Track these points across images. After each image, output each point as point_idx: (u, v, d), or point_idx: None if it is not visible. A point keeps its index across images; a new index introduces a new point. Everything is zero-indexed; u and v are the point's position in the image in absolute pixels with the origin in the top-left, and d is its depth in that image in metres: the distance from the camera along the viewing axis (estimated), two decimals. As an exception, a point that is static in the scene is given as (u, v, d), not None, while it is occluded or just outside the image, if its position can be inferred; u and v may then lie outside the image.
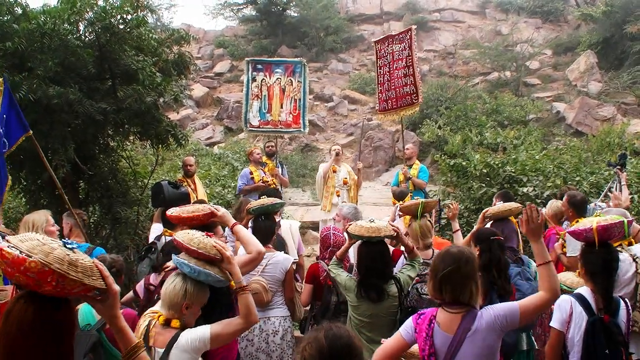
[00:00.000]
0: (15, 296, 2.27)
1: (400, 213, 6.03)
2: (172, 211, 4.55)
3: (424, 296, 5.21)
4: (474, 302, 3.36)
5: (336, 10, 34.71)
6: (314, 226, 12.04)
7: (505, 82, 24.82)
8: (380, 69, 10.19)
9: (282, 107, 10.66)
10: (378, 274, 4.67)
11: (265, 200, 6.05)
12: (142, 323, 3.44)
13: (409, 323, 3.53)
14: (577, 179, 10.09)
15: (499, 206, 5.90)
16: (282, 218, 7.65)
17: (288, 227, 6.90)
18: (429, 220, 5.84)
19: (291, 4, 32.96)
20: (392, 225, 4.87)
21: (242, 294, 3.49)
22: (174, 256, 3.56)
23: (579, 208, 6.43)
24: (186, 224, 4.44)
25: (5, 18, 7.04)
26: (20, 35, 6.88)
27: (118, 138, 9.55)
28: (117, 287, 2.39)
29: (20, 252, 2.07)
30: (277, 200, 6.08)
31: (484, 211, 5.90)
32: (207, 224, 4.40)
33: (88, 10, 7.78)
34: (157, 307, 3.58)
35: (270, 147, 10.97)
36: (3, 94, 5.98)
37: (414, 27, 10.19)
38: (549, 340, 4.21)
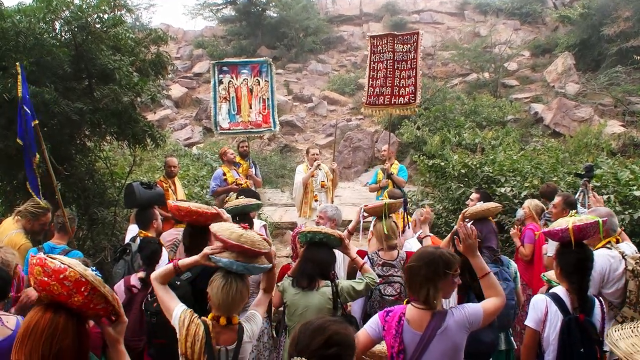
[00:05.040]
0: (39, 307, 2.40)
1: (365, 214, 6.02)
2: (180, 203, 4.74)
3: (387, 297, 5.26)
4: (430, 303, 3.42)
5: (316, 11, 34.74)
6: (293, 227, 12.04)
7: (483, 83, 25.03)
8: (374, 63, 10.16)
9: (250, 107, 10.56)
10: (313, 266, 4.78)
11: (241, 201, 6.08)
12: (196, 328, 3.39)
13: (375, 320, 3.60)
14: (555, 179, 10.15)
15: (477, 206, 5.92)
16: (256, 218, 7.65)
17: (259, 226, 6.95)
18: (394, 222, 5.86)
19: (271, 5, 32.93)
20: (340, 234, 4.94)
21: (272, 271, 3.84)
22: (217, 257, 3.54)
23: (575, 207, 6.54)
24: (193, 218, 4.64)
25: None
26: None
27: (95, 138, 9.42)
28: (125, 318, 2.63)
29: (62, 263, 2.34)
30: (254, 201, 6.12)
31: (463, 212, 5.92)
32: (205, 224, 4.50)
33: (64, 9, 7.67)
34: (182, 307, 3.56)
35: (243, 147, 10.98)
36: (22, 79, 5.99)
37: (421, 31, 10.23)
38: (524, 340, 4.25)
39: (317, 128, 24.65)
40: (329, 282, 4.78)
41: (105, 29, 8.31)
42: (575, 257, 4.08)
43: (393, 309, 3.57)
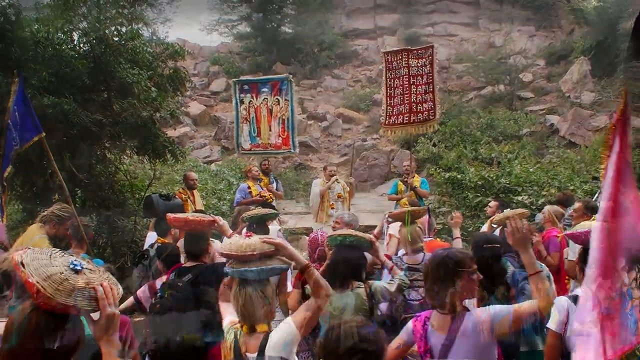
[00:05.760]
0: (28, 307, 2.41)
1: (390, 220, 6.09)
2: (178, 215, 5.04)
3: (411, 302, 5.25)
4: (449, 306, 3.40)
5: (330, 26, 34.82)
6: (308, 232, 12.13)
7: (499, 96, 24.88)
8: (390, 80, 10.03)
9: (270, 129, 10.65)
10: (345, 267, 4.75)
11: (260, 210, 6.25)
12: (228, 336, 3.45)
13: (408, 325, 3.62)
14: (571, 188, 10.10)
15: (505, 213, 5.90)
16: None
17: (275, 231, 7.08)
18: (419, 227, 5.87)
19: (285, 20, 33.12)
20: (370, 237, 4.96)
21: (308, 271, 3.46)
22: (229, 269, 3.59)
23: (595, 211, 6.46)
24: (191, 227, 4.87)
25: None
26: (13, 41, 6.88)
27: (115, 151, 9.57)
28: (111, 310, 2.47)
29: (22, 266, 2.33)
30: (271, 210, 6.29)
31: (490, 219, 5.92)
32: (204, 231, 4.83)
33: (82, 19, 7.80)
34: (229, 318, 3.61)
35: (265, 165, 11.11)
36: (17, 91, 6.04)
37: (435, 45, 10.21)
38: (547, 341, 4.20)
39: (331, 148, 24.45)
40: (361, 283, 4.77)
41: (123, 42, 8.43)
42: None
43: (420, 314, 3.61)
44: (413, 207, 6.13)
